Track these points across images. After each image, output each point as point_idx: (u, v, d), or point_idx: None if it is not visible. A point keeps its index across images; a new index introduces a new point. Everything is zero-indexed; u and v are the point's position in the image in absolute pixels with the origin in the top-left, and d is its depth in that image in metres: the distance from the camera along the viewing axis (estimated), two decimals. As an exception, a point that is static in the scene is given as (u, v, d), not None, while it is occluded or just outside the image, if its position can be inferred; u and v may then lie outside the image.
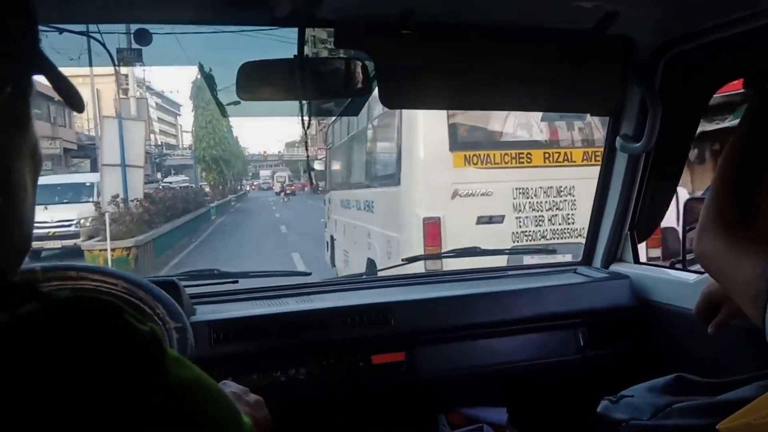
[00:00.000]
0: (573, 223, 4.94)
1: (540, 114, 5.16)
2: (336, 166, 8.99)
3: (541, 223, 4.93)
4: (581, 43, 1.76)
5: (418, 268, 3.45)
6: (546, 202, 4.94)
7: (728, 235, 0.97)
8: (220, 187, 40.02)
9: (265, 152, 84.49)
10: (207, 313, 1.77)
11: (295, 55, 1.61)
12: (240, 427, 0.67)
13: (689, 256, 2.31)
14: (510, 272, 2.35)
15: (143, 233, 13.34)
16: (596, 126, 5.14)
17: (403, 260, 2.35)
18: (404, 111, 5.02)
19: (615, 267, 2.21)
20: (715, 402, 1.05)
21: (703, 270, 1.98)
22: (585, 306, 2.06)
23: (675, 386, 1.18)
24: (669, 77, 1.84)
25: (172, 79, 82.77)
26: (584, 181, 4.66)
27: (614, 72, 1.83)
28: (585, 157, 5.01)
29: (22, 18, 0.55)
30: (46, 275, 1.44)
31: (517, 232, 4.88)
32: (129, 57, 15.00)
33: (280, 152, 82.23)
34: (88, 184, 16.83)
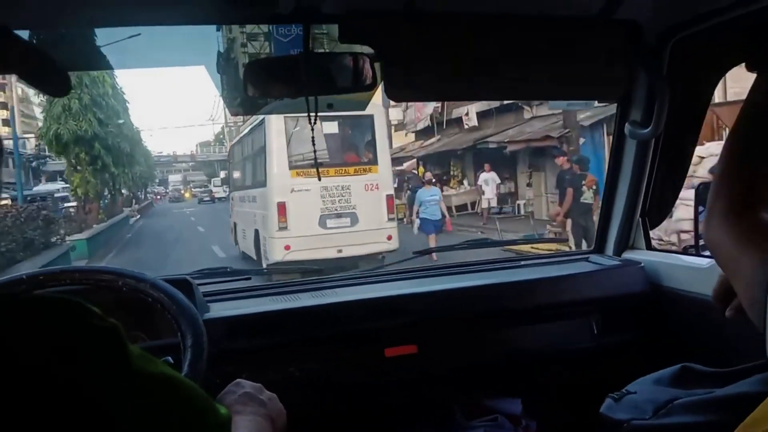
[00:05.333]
0: (350, 202, 10.09)
1: (335, 144, 10.56)
2: (236, 175, 14.39)
3: (333, 204, 10.05)
4: (587, 29, 1.74)
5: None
6: (337, 194, 10.02)
7: (732, 225, 0.95)
8: (109, 196, 23.69)
9: (174, 152, 67.74)
10: (221, 310, 1.78)
11: (300, 52, 1.61)
12: (215, 416, 0.67)
13: (702, 241, 2.30)
14: (522, 262, 2.35)
15: None
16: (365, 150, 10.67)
17: (413, 253, 2.36)
18: (267, 144, 10.25)
19: (627, 254, 2.20)
20: (715, 397, 1.04)
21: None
22: (598, 294, 2.05)
23: (681, 377, 1.17)
24: (676, 61, 1.83)
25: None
26: (357, 182, 10.09)
27: (621, 57, 1.82)
28: (356, 170, 10.22)
29: None
30: (35, 280, 1.44)
31: (325, 208, 10.00)
32: None
33: (192, 152, 67.11)
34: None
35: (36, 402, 0.50)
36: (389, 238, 10.15)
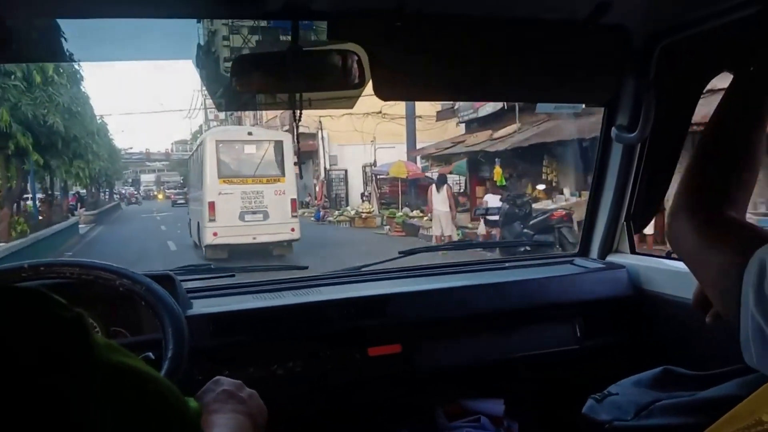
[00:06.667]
0: (263, 203, 13.48)
1: (254, 160, 13.93)
2: (191, 181, 17.86)
3: (250, 204, 13.40)
4: (575, 33, 1.75)
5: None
6: (253, 196, 13.42)
7: (698, 222, 0.95)
8: (43, 198, 18.39)
9: (147, 150, 59.70)
10: (204, 306, 1.77)
11: (289, 47, 1.60)
12: (189, 412, 0.66)
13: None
14: (507, 264, 2.35)
15: None
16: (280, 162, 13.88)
17: (399, 253, 2.35)
18: (203, 160, 13.78)
19: (611, 257, 2.21)
20: (696, 400, 1.04)
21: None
22: (582, 297, 2.06)
23: (662, 380, 1.18)
24: (663, 66, 1.84)
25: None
26: (268, 189, 13.55)
27: (608, 62, 1.83)
28: (268, 180, 13.56)
29: None
30: (36, 271, 1.45)
31: (243, 207, 13.35)
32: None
33: (168, 150, 59.86)
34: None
35: None
36: (292, 229, 13.60)
